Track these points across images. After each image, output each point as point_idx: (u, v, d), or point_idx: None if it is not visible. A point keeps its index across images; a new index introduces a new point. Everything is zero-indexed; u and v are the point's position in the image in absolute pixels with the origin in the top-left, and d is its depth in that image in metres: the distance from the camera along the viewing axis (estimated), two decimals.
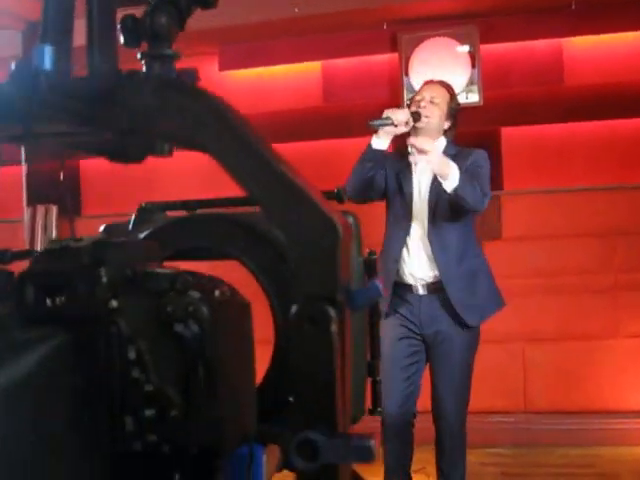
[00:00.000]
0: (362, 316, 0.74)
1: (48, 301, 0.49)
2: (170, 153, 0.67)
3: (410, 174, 2.47)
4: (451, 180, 2.28)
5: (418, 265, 2.43)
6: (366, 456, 0.43)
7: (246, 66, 3.88)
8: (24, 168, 3.83)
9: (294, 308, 0.44)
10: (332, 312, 0.43)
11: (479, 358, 2.90)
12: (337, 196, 0.74)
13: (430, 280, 2.42)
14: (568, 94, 3.66)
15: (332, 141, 3.73)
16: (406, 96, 3.62)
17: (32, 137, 0.51)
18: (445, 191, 2.32)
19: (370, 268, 0.74)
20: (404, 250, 2.44)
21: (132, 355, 0.49)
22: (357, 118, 3.77)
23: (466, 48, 3.79)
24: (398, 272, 2.44)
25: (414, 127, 2.39)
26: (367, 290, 0.46)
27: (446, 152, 2.46)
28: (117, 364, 0.49)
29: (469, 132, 3.42)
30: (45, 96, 0.46)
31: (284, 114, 3.72)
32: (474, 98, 3.75)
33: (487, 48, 3.76)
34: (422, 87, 2.57)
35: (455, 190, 2.27)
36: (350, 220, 0.73)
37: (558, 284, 3.57)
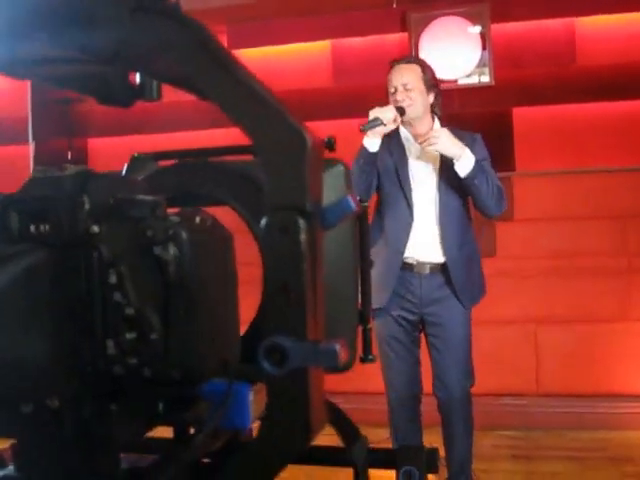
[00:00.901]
0: (352, 265, 0.74)
1: (32, 227, 0.49)
2: (159, 97, 0.67)
3: (406, 160, 2.44)
4: (464, 163, 2.27)
5: (422, 249, 2.43)
6: (333, 360, 0.43)
7: (255, 45, 3.87)
8: (31, 147, 3.86)
9: (264, 219, 0.44)
10: (301, 222, 0.44)
11: (491, 340, 2.90)
12: (328, 145, 0.73)
13: (432, 262, 2.43)
14: (580, 74, 3.62)
15: (341, 121, 3.72)
16: None
17: (17, 63, 0.51)
18: (456, 176, 2.31)
19: (361, 216, 0.74)
20: (409, 239, 2.42)
21: (113, 279, 0.49)
22: (366, 98, 3.76)
23: (477, 29, 3.76)
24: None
25: (402, 120, 2.37)
26: (339, 206, 0.45)
27: None
28: (98, 288, 0.49)
29: (480, 113, 3.40)
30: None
31: (293, 94, 3.71)
32: (485, 79, 3.71)
33: (498, 28, 3.72)
34: (389, 72, 2.46)
35: (471, 175, 2.27)
36: (340, 168, 0.73)
37: (570, 266, 3.54)
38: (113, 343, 0.50)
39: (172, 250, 0.48)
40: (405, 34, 3.79)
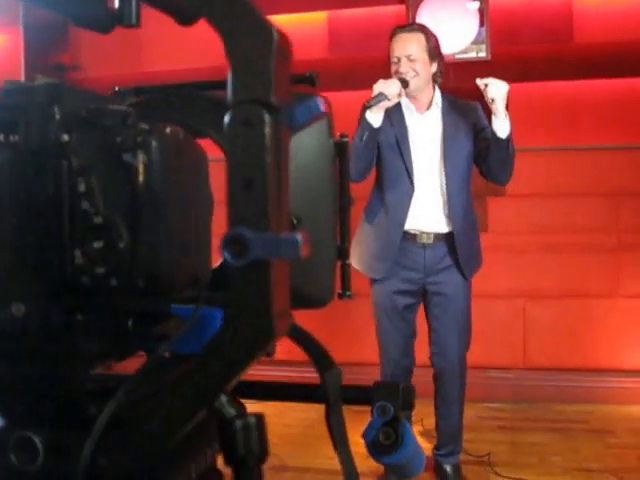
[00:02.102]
0: (332, 201, 0.74)
1: (1, 137, 0.50)
2: (137, 24, 0.68)
3: (406, 132, 2.41)
4: (506, 122, 2.31)
5: (424, 220, 2.42)
6: (294, 251, 0.43)
7: None
8: None
9: (228, 114, 0.45)
10: (266, 115, 0.44)
11: (481, 313, 2.92)
12: (309, 80, 0.73)
13: (436, 232, 2.42)
14: (577, 52, 3.60)
15: (337, 93, 3.71)
16: None
17: None
18: (460, 145, 2.34)
19: (341, 151, 0.74)
20: (409, 209, 2.41)
21: (82, 188, 0.49)
22: (363, 70, 3.75)
23: (476, 4, 3.73)
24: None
25: (406, 92, 2.35)
26: (306, 106, 0.46)
27: (443, 106, 2.44)
28: (67, 197, 0.49)
29: (477, 88, 3.37)
30: None
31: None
32: (482, 54, 3.70)
33: (497, 2, 3.69)
34: (391, 41, 2.41)
35: (508, 137, 2.30)
36: (321, 101, 0.72)
37: (561, 242, 3.56)
38: (80, 253, 0.50)
39: (141, 157, 0.48)
40: (402, 6, 3.76)
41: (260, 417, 0.51)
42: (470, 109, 2.45)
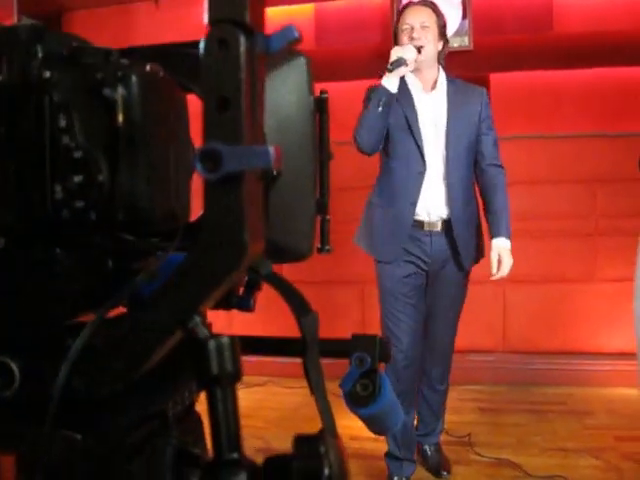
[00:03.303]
0: (311, 155, 0.75)
1: None
2: None
3: (414, 110, 2.36)
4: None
5: (433, 202, 2.38)
6: (266, 159, 0.45)
7: None
8: None
9: (204, 37, 0.45)
10: (241, 36, 0.44)
11: None
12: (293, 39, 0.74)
13: (444, 217, 2.39)
14: (556, 42, 3.65)
15: (324, 84, 3.72)
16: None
17: None
18: (464, 132, 2.35)
19: (322, 107, 0.75)
20: (422, 188, 2.36)
21: (63, 123, 0.50)
22: (349, 62, 3.78)
23: None
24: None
25: (415, 66, 2.31)
26: (283, 32, 0.47)
27: (448, 88, 2.40)
28: (48, 131, 0.50)
29: (458, 77, 3.40)
30: None
31: None
32: (464, 42, 3.74)
33: None
34: (404, 12, 2.42)
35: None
36: (302, 59, 0.73)
37: (540, 228, 3.62)
38: (60, 187, 0.51)
39: (120, 91, 0.49)
40: None
41: (233, 338, 0.53)
42: (476, 94, 2.41)
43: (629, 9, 3.57)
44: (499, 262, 2.37)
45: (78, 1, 4.05)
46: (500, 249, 2.39)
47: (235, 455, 0.50)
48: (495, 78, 3.73)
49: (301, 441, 0.51)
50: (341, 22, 3.88)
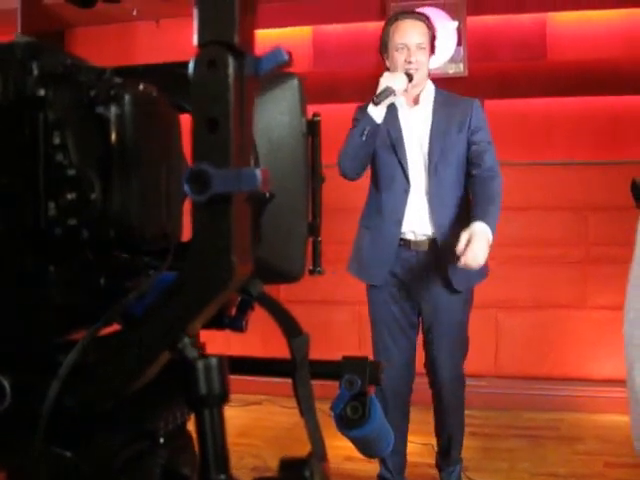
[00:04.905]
0: (303, 178, 0.75)
1: None
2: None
3: (399, 128, 2.31)
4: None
5: (419, 221, 2.30)
6: (253, 182, 0.45)
7: None
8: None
9: (193, 58, 0.46)
10: (230, 57, 0.45)
11: None
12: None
13: (430, 235, 2.30)
14: (550, 69, 3.71)
15: (320, 106, 3.75)
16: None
17: None
18: (450, 148, 2.24)
19: (314, 129, 0.75)
20: (406, 207, 2.30)
21: (57, 140, 0.50)
22: (346, 84, 3.82)
23: (454, 24, 3.83)
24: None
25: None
26: (272, 54, 0.48)
27: (436, 101, 2.33)
28: (42, 149, 0.50)
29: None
30: None
31: None
32: (459, 69, 3.79)
33: (474, 20, 3.79)
34: (397, 25, 2.28)
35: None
36: (295, 81, 0.74)
37: (532, 254, 3.63)
38: (54, 204, 0.51)
39: (114, 109, 0.50)
40: (384, 23, 3.84)
41: (221, 358, 0.53)
42: (465, 104, 2.31)
43: (623, 38, 3.63)
44: (467, 246, 2.07)
45: (81, 18, 4.09)
46: (474, 231, 2.09)
47: (222, 477, 0.50)
48: (489, 105, 3.76)
49: (287, 464, 0.51)
50: (339, 45, 3.93)
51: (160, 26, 4.05)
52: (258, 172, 0.45)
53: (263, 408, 3.48)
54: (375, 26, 3.90)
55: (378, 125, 2.21)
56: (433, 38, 2.33)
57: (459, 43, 3.84)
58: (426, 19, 2.35)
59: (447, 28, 3.83)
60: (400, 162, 2.30)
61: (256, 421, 3.30)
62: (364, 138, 2.19)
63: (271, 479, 0.50)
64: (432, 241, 2.31)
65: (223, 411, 0.54)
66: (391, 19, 2.37)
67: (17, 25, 3.89)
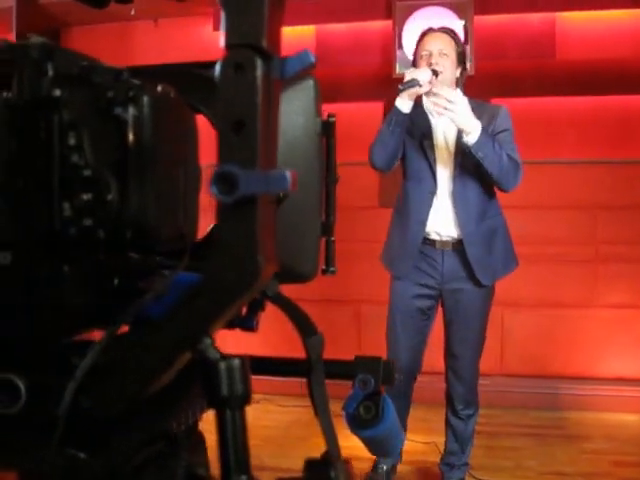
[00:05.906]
0: (318, 178, 0.75)
1: None
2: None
3: (430, 131, 2.41)
4: (473, 135, 2.25)
5: (444, 223, 2.40)
6: (283, 184, 0.45)
7: None
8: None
9: (219, 60, 0.45)
10: (258, 60, 0.45)
11: None
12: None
13: (455, 236, 2.40)
14: (559, 69, 3.69)
15: (326, 105, 3.74)
16: (398, 68, 3.63)
17: None
18: (469, 147, 2.29)
19: (329, 130, 0.75)
20: (431, 210, 2.39)
21: (72, 141, 0.50)
22: (350, 83, 3.81)
23: (461, 23, 3.81)
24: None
25: (435, 82, 2.32)
26: (298, 57, 0.47)
27: None
28: (57, 150, 0.50)
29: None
30: None
31: None
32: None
33: (481, 19, 3.78)
34: (423, 38, 2.43)
35: (475, 147, 2.24)
36: (310, 82, 0.73)
37: (540, 253, 3.62)
38: (69, 205, 0.51)
39: (131, 111, 0.50)
40: (389, 22, 3.83)
41: (243, 359, 0.53)
42: (492, 111, 2.42)
43: (632, 37, 3.62)
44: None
45: (77, 18, 4.07)
46: (465, 102, 2.24)
47: (244, 477, 0.49)
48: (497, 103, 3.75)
49: (312, 465, 0.51)
50: (342, 44, 3.92)
51: (158, 25, 4.04)
52: (288, 173, 0.45)
53: (260, 407, 3.47)
54: (380, 25, 3.89)
55: (404, 115, 2.30)
56: (461, 54, 2.43)
57: (466, 42, 3.82)
58: (452, 33, 2.47)
59: (454, 27, 3.82)
60: (430, 165, 2.40)
61: (253, 420, 3.26)
62: (390, 127, 2.29)
63: (297, 479, 0.50)
64: (458, 242, 2.40)
65: (245, 412, 0.53)
66: (422, 33, 2.49)
67: (12, 24, 3.88)
